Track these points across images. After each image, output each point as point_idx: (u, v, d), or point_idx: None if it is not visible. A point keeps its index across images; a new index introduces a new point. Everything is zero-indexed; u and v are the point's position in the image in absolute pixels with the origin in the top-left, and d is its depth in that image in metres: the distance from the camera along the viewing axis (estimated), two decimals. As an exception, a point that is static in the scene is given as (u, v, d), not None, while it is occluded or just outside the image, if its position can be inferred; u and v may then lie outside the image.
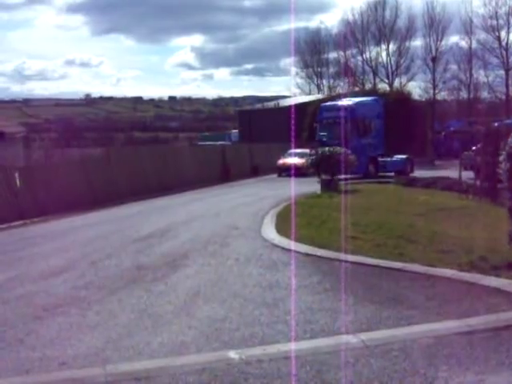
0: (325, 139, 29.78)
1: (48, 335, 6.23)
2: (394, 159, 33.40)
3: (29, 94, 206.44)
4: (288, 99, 65.70)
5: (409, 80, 65.53)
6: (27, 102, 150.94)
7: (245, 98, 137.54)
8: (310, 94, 70.13)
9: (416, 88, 65.29)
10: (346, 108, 30.90)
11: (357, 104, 33.08)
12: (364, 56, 67.50)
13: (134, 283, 8.39)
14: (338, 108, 31.64)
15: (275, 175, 35.30)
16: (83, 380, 4.94)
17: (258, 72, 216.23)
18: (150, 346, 5.67)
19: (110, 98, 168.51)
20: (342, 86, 67.77)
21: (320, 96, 58.77)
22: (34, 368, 5.31)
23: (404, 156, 33.98)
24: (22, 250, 12.47)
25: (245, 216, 15.39)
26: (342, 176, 26.82)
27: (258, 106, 71.07)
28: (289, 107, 48.40)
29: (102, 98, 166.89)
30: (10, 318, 7.00)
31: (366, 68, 67.83)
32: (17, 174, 19.66)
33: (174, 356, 5.37)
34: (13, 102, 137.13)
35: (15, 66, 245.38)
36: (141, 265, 9.63)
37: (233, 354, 5.25)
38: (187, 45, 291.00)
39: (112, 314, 6.91)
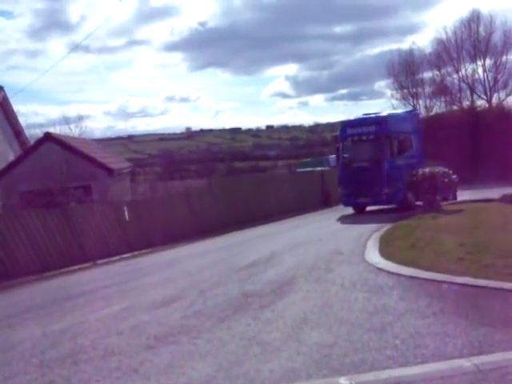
0: (350, 161, 25.68)
1: (161, 364, 6.42)
2: None
3: (132, 131, 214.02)
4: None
5: (508, 95, 63.21)
6: (131, 138, 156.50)
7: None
8: (407, 114, 68.90)
9: (516, 103, 62.88)
10: (375, 122, 25.73)
11: (388, 117, 26.69)
12: (460, 73, 65.67)
13: (242, 311, 8.51)
14: (365, 123, 26.14)
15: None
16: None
17: (353, 96, 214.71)
18: (260, 374, 5.72)
19: (210, 131, 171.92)
20: (438, 106, 66.32)
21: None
22: (150, 396, 5.49)
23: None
24: (133, 280, 12.94)
25: (347, 240, 15.31)
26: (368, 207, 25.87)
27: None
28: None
29: (202, 131, 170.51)
30: (124, 348, 7.26)
31: (463, 85, 65.94)
32: (125, 208, 20.43)
33: (285, 383, 5.40)
34: (118, 138, 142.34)
35: (119, 105, 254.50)
36: (247, 292, 9.76)
37: (343, 381, 5.21)
38: (281, 74, 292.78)
39: (222, 341, 7.04)
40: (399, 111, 29.94)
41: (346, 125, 27.07)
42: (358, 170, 24.89)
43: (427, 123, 47.58)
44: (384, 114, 27.54)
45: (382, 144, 24.65)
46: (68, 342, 7.84)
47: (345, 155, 26.19)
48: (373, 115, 27.05)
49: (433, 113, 57.27)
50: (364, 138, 25.43)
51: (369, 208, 26.26)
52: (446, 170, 22.34)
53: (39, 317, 9.99)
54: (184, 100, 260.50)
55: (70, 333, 8.37)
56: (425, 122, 48.28)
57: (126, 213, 20.32)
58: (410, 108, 33.94)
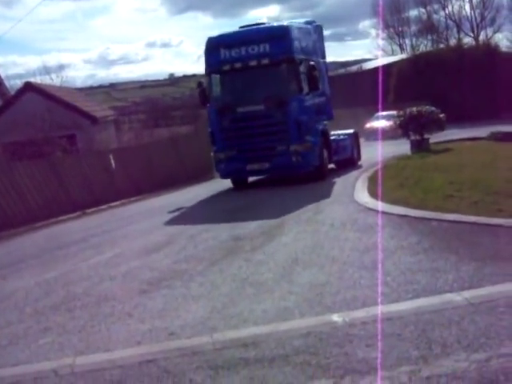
0: (231, 106, 16.30)
1: (155, 308, 6.47)
2: (339, 138, 19.73)
3: (114, 79, 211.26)
4: (371, 62, 64.42)
5: (495, 32, 63.10)
6: (114, 87, 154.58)
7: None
8: (392, 54, 68.41)
9: (503, 40, 62.67)
10: (272, 36, 16.15)
11: (292, 28, 16.67)
12: (446, 10, 65.15)
13: (233, 254, 8.55)
14: (254, 38, 16.21)
15: (362, 140, 34.84)
16: (192, 348, 5.07)
17: (337, 37, 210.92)
18: (254, 314, 5.78)
19: (193, 76, 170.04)
20: (425, 44, 65.84)
21: (404, 56, 57.31)
22: (145, 339, 5.52)
23: (349, 131, 20.83)
24: (122, 228, 12.95)
25: (336, 182, 15.32)
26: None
27: (341, 71, 70.14)
28: (372, 70, 47.53)
29: (185, 76, 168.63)
30: (118, 293, 7.32)
31: (450, 23, 65.48)
32: (111, 156, 20.31)
33: (279, 322, 5.45)
34: (100, 87, 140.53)
35: (99, 53, 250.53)
36: (237, 236, 9.79)
37: (336, 317, 5.28)
38: (263, 16, 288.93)
39: (214, 284, 7.10)
40: (300, 22, 18.50)
41: (216, 43, 16.67)
42: (246, 119, 15.98)
43: (414, 62, 47.35)
44: (285, 23, 17.44)
45: (287, 72, 16.20)
46: (61, 290, 7.87)
47: (218, 96, 17.03)
48: (265, 25, 17.51)
49: (419, 51, 56.80)
50: (253, 63, 15.98)
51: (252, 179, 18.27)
52: (433, 108, 22.20)
53: (31, 266, 10.02)
54: (166, 45, 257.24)
55: (63, 281, 8.41)
56: (412, 61, 48.08)
57: (113, 161, 20.21)
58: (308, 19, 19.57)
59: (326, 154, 17.14)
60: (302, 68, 16.30)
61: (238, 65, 16.18)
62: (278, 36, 16.11)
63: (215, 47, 16.46)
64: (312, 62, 16.53)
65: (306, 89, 16.29)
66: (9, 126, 24.51)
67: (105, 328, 6.02)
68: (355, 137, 20.86)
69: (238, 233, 10.03)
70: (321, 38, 19.58)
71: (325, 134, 17.52)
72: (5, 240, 14.20)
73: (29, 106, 25.39)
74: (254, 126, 15.89)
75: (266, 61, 15.85)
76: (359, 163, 19.98)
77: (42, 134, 23.43)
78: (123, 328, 5.94)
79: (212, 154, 17.37)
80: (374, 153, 21.18)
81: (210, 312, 6.02)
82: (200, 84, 17.44)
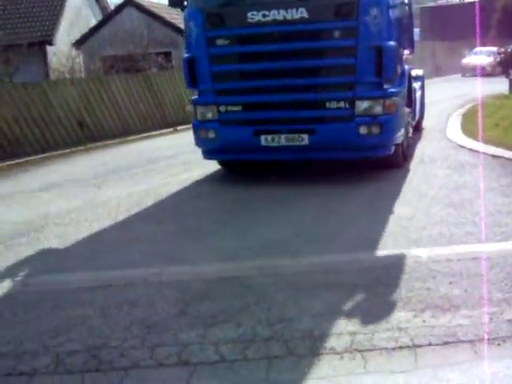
0: (231, 2, 8.26)
1: (240, 227, 6.68)
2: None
3: None
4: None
5: None
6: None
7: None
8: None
9: None
10: None
11: None
12: None
13: (317, 184, 8.57)
14: None
15: (459, 75, 33.65)
16: (275, 269, 5.17)
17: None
18: (336, 242, 5.82)
19: None
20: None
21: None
22: (229, 257, 5.64)
23: (419, 72, 12.81)
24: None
25: (429, 117, 14.95)
26: None
27: (442, 1, 67.29)
28: (475, 2, 45.28)
29: None
30: (204, 210, 7.59)
31: None
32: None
33: (361, 251, 5.49)
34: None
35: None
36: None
37: (420, 252, 5.27)
38: None
39: (300, 209, 7.20)
40: None
41: None
42: (268, 38, 8.10)
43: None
44: None
45: None
46: (151, 202, 8.14)
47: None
48: None
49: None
50: None
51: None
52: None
53: (123, 178, 10.34)
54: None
55: (153, 193, 8.65)
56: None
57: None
58: None
59: (410, 118, 9.91)
60: None
61: None
62: None
63: None
64: None
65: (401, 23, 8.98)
66: (108, 40, 24.89)
67: (192, 242, 6.20)
68: (423, 83, 13.21)
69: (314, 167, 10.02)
70: None
71: (409, 79, 9.94)
72: (100, 150, 14.67)
73: (127, 22, 25.56)
74: (283, 53, 8.08)
75: None
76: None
77: (140, 50, 23.69)
78: (209, 244, 6.10)
79: (188, 106, 9.39)
80: (469, 89, 20.50)
81: (294, 236, 6.13)
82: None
